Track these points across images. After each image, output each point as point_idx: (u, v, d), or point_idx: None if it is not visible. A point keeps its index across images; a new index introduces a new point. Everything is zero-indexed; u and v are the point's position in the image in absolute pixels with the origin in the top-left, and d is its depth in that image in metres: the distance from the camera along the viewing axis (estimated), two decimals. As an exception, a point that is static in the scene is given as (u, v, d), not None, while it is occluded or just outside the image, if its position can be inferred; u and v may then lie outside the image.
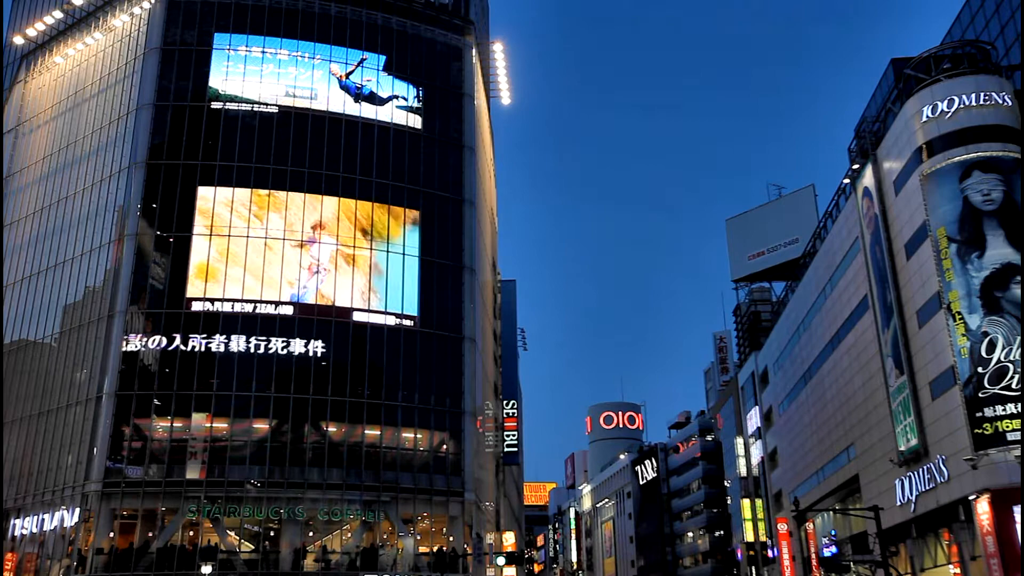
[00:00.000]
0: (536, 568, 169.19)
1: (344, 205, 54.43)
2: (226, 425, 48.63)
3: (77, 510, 46.80)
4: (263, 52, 56.32)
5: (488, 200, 74.04)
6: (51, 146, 61.43)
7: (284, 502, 47.71)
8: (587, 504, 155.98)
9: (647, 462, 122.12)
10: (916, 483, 40.77)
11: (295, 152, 54.37)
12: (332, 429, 50.18)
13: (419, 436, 52.13)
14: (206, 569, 43.32)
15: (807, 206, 79.56)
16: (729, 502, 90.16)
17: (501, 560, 56.26)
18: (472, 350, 55.43)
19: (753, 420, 76.14)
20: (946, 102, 39.11)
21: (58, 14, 63.67)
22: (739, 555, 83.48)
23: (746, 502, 77.98)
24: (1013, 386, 34.68)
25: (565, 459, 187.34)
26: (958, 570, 38.03)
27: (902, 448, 42.15)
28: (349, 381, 50.95)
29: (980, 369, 35.56)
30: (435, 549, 50.56)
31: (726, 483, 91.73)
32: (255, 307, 50.76)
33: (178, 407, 48.31)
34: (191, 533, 48.10)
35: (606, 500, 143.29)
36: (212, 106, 54.44)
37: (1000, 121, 38.18)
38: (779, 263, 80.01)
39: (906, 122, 41.14)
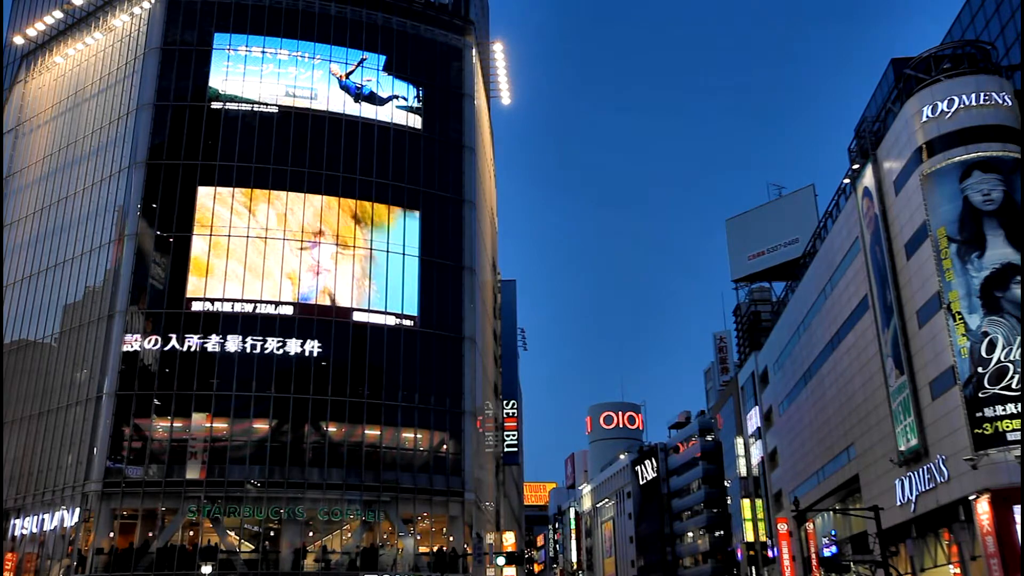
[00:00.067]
0: (536, 568, 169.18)
1: (344, 205, 54.44)
2: (226, 425, 48.65)
3: (77, 510, 46.80)
4: (263, 52, 56.32)
5: (488, 200, 74.05)
6: (51, 146, 61.46)
7: (284, 502, 47.72)
8: (587, 504, 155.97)
9: (647, 462, 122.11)
10: (916, 483, 40.77)
11: (295, 152, 54.38)
12: (332, 429, 50.19)
13: (419, 436, 52.15)
14: (206, 569, 43.35)
15: (807, 206, 79.60)
16: (729, 502, 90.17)
17: (501, 560, 56.29)
18: (472, 350, 55.44)
19: (753, 420, 76.14)
20: (946, 102, 39.12)
21: (58, 14, 63.68)
22: (739, 555, 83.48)
23: (746, 502, 77.99)
24: (1013, 386, 34.69)
25: (565, 459, 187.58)
26: (958, 570, 38.02)
27: (902, 448, 42.16)
28: (349, 381, 50.95)
29: (980, 369, 35.57)
30: (435, 549, 50.55)
31: (726, 483, 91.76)
32: (255, 307, 50.78)
33: (178, 407, 48.33)
34: (191, 533, 48.08)
35: (606, 500, 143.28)
36: (212, 106, 54.46)
37: (1000, 121, 38.19)
38: (779, 263, 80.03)
39: (906, 122, 41.14)
